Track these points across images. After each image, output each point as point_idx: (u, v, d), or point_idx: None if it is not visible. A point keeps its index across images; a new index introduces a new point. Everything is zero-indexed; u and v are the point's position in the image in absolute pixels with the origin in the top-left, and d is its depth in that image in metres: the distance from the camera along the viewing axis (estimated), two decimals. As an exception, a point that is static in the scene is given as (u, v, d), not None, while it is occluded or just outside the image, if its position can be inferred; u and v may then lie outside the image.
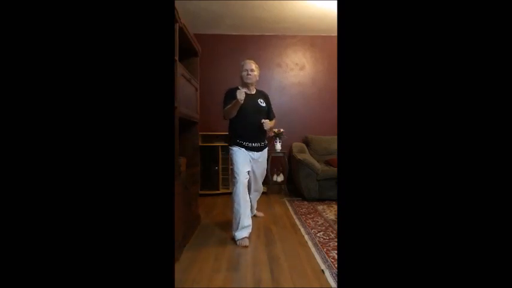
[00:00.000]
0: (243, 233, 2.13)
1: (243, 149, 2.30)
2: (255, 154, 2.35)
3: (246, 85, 2.37)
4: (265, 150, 2.46)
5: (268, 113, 2.44)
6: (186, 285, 1.54)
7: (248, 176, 2.28)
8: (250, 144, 2.31)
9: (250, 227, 2.20)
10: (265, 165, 2.50)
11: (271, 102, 2.53)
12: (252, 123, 2.29)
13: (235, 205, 2.17)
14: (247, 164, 2.29)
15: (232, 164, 2.33)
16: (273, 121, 2.47)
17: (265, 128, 2.27)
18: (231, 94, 2.26)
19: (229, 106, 2.20)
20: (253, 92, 2.41)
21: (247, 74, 2.34)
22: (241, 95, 2.05)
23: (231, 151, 2.33)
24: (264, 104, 2.39)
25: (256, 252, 1.97)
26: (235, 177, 2.21)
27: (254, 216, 2.74)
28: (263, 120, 2.28)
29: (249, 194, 2.38)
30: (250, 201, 2.41)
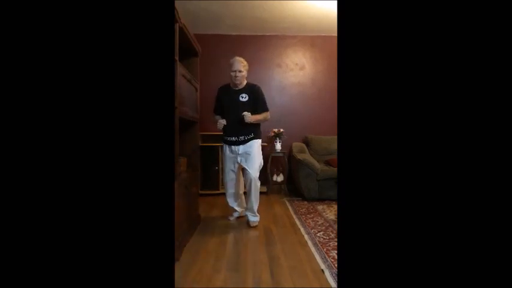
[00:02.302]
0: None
1: (226, 145, 2.53)
2: (237, 148, 2.46)
3: (234, 84, 2.48)
4: (251, 142, 2.47)
5: (254, 107, 2.46)
6: (186, 285, 1.54)
7: (233, 172, 2.56)
8: (230, 139, 2.48)
9: (235, 206, 2.70)
10: (253, 156, 2.47)
11: (266, 96, 2.58)
12: (231, 118, 2.44)
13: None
14: (230, 160, 2.54)
15: None
16: (261, 114, 2.49)
17: (246, 121, 2.35)
18: (219, 95, 2.60)
19: (214, 121, 2.54)
20: (241, 87, 2.49)
21: (235, 76, 2.43)
22: (220, 125, 2.43)
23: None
24: (245, 99, 2.46)
25: (256, 252, 1.97)
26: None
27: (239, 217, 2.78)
28: (244, 113, 2.37)
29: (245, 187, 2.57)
30: (246, 200, 2.60)
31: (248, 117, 2.36)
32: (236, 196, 2.69)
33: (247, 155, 2.46)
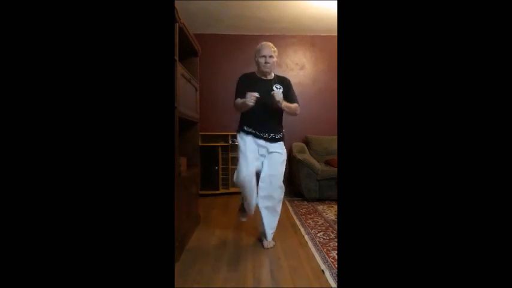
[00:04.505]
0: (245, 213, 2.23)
1: (250, 136, 2.04)
2: (266, 143, 2.04)
3: (262, 73, 2.07)
4: (280, 143, 2.09)
5: (287, 100, 2.03)
6: (186, 285, 1.54)
7: (256, 165, 2.03)
8: (259, 133, 2.04)
9: (250, 210, 2.14)
10: (279, 160, 2.05)
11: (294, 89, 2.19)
12: (260, 111, 1.98)
13: (240, 190, 2.07)
14: (254, 154, 2.03)
15: (238, 153, 2.08)
16: (294, 104, 2.07)
17: (276, 99, 1.90)
18: (243, 83, 2.06)
19: (239, 102, 1.99)
20: (270, 77, 2.10)
21: (265, 62, 2.01)
22: (251, 100, 1.85)
23: (238, 138, 2.09)
24: (281, 90, 2.05)
25: (256, 253, 1.97)
26: (238, 164, 2.02)
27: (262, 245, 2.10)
28: (274, 92, 1.93)
29: (258, 202, 2.06)
30: (262, 218, 2.08)
31: (279, 95, 1.92)
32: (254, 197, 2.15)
33: (274, 157, 2.05)
